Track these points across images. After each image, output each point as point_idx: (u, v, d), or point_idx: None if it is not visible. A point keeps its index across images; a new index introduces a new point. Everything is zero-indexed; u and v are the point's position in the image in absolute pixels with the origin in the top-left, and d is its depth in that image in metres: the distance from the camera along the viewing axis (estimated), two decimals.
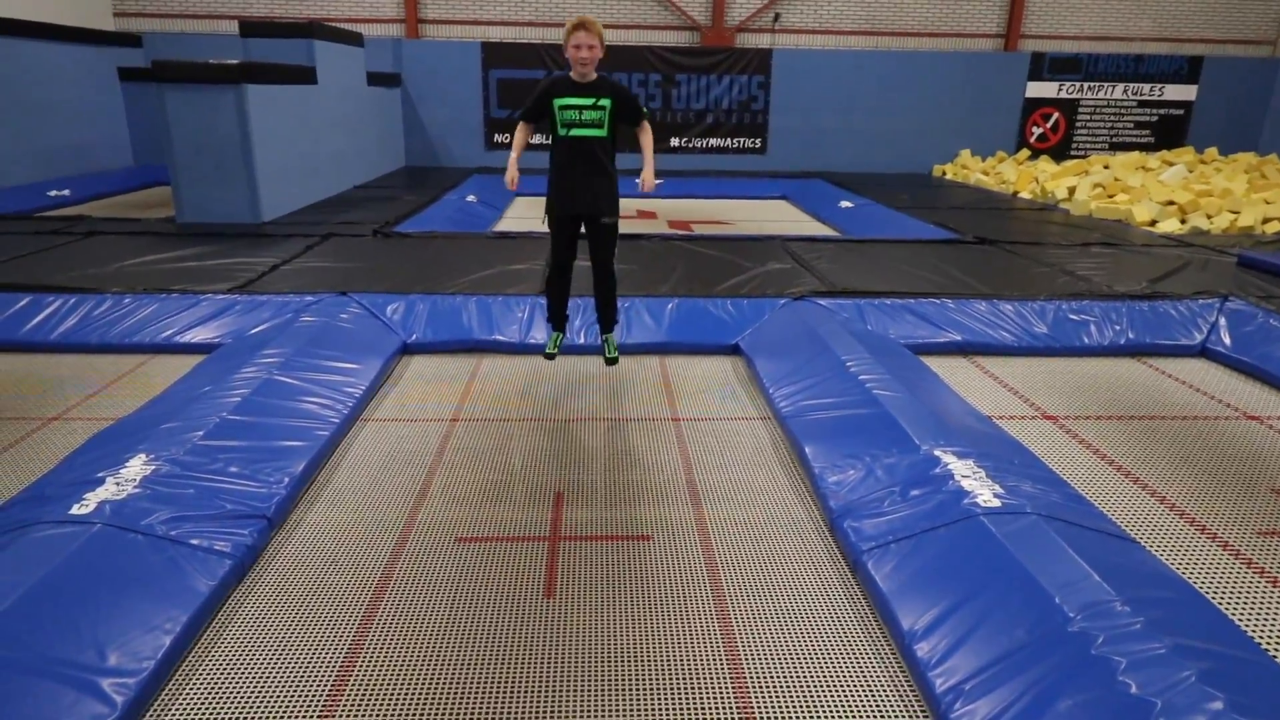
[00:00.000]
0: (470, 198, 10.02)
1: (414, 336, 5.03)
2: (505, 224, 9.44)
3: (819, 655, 2.44)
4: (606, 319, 3.58)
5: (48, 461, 3.44)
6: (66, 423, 3.95)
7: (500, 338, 5.03)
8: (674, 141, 13.81)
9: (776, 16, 13.36)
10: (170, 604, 2.41)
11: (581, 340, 4.95)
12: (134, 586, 2.44)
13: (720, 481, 3.51)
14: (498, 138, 13.63)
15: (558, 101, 3.26)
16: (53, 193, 9.68)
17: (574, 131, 3.28)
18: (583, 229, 3.81)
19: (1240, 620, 2.59)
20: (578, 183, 3.33)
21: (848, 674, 2.37)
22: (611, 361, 3.53)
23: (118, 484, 2.88)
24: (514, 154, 3.44)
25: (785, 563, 2.91)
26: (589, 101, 3.25)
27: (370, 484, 3.44)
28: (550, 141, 3.39)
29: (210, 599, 2.50)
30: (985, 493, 2.89)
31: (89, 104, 11.43)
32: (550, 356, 3.50)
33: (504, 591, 2.73)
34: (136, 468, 3.00)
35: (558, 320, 3.57)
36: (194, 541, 2.67)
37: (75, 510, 2.69)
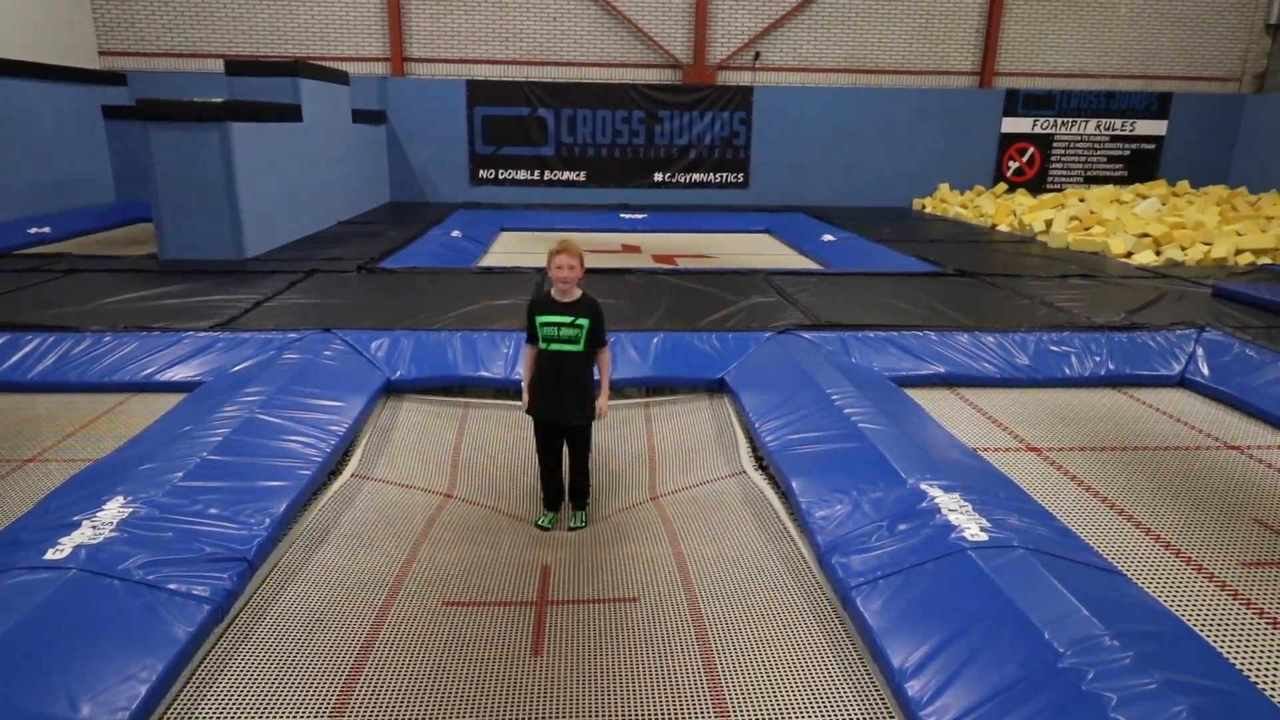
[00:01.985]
0: (455, 233, 10.05)
1: (398, 373, 5.00)
2: (490, 259, 9.46)
3: (808, 693, 2.41)
4: (577, 498, 3.71)
5: (23, 504, 3.37)
6: (43, 464, 3.88)
7: (485, 373, 5.01)
8: (657, 176, 13.96)
9: (757, 55, 13.62)
10: (146, 651, 2.35)
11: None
12: (109, 633, 2.38)
13: (705, 517, 3.49)
14: (482, 173, 13.72)
15: (539, 318, 3.49)
16: (33, 230, 9.61)
17: (552, 346, 3.49)
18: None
19: (1228, 653, 2.58)
20: (553, 393, 3.52)
21: (838, 712, 2.34)
22: (576, 529, 3.59)
23: (94, 527, 2.82)
24: (526, 379, 3.64)
25: (773, 600, 2.89)
26: (567, 320, 3.47)
27: (354, 524, 3.39)
28: (535, 356, 3.61)
29: (188, 645, 2.45)
30: (972, 526, 2.88)
31: (72, 141, 11.42)
32: (544, 529, 3.58)
33: (491, 647, 2.68)
34: (114, 510, 2.95)
35: (553, 504, 3.70)
36: (171, 586, 2.62)
37: (50, 555, 2.63)
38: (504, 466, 4.16)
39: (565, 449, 3.71)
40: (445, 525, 3.55)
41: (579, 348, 3.49)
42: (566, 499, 3.78)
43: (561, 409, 3.56)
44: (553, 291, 3.53)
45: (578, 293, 3.53)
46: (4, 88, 10.16)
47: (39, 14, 11.45)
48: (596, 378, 3.70)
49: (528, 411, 3.64)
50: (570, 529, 3.62)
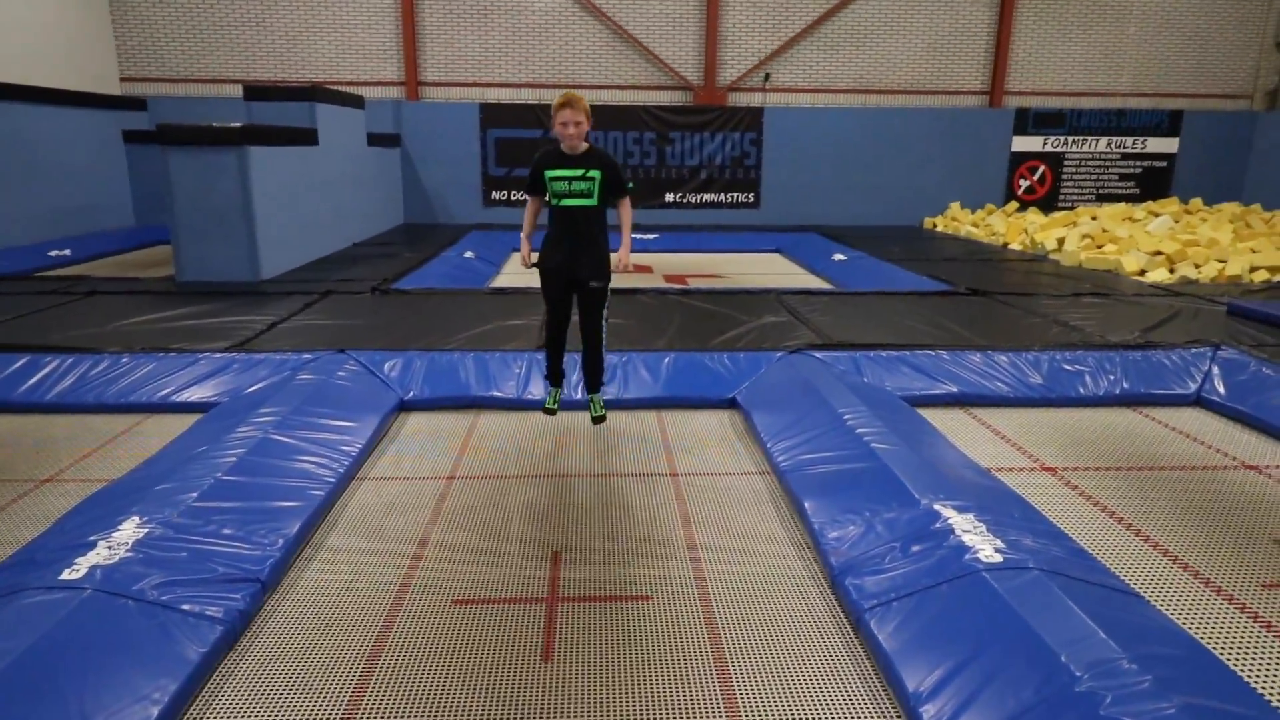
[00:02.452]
0: (468, 254, 10.13)
1: (411, 393, 5.03)
2: (503, 280, 9.52)
3: (822, 717, 2.39)
4: (593, 380, 3.67)
5: (39, 524, 3.40)
6: (59, 484, 3.92)
7: (498, 393, 5.03)
8: (669, 197, 14.04)
9: (767, 76, 13.72)
10: (159, 672, 2.36)
11: (578, 395, 4.95)
12: (122, 654, 2.39)
13: (719, 537, 3.48)
14: (495, 195, 13.86)
15: (548, 173, 3.41)
16: (54, 252, 9.78)
17: (565, 201, 3.40)
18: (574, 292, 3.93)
19: (1248, 676, 2.54)
20: (567, 249, 3.44)
21: None
22: (598, 419, 3.60)
23: (109, 547, 2.84)
24: (525, 229, 3.58)
25: (786, 621, 2.87)
26: (578, 173, 3.38)
27: (365, 544, 3.40)
28: (548, 212, 3.55)
29: (201, 666, 2.45)
30: (987, 548, 2.86)
31: (93, 166, 11.63)
32: (550, 411, 3.58)
33: (502, 655, 2.68)
34: (129, 530, 2.97)
35: (555, 376, 3.66)
36: (185, 607, 2.63)
37: (65, 575, 2.65)
38: (514, 442, 4.15)
39: (578, 314, 3.56)
40: (452, 509, 3.58)
41: (593, 202, 3.41)
42: (576, 383, 3.77)
43: (576, 265, 3.47)
44: (561, 145, 3.44)
45: (585, 145, 3.44)
46: (28, 114, 10.38)
47: (63, 42, 11.71)
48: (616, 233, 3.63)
49: (535, 264, 3.54)
50: (594, 418, 3.57)
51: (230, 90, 12.90)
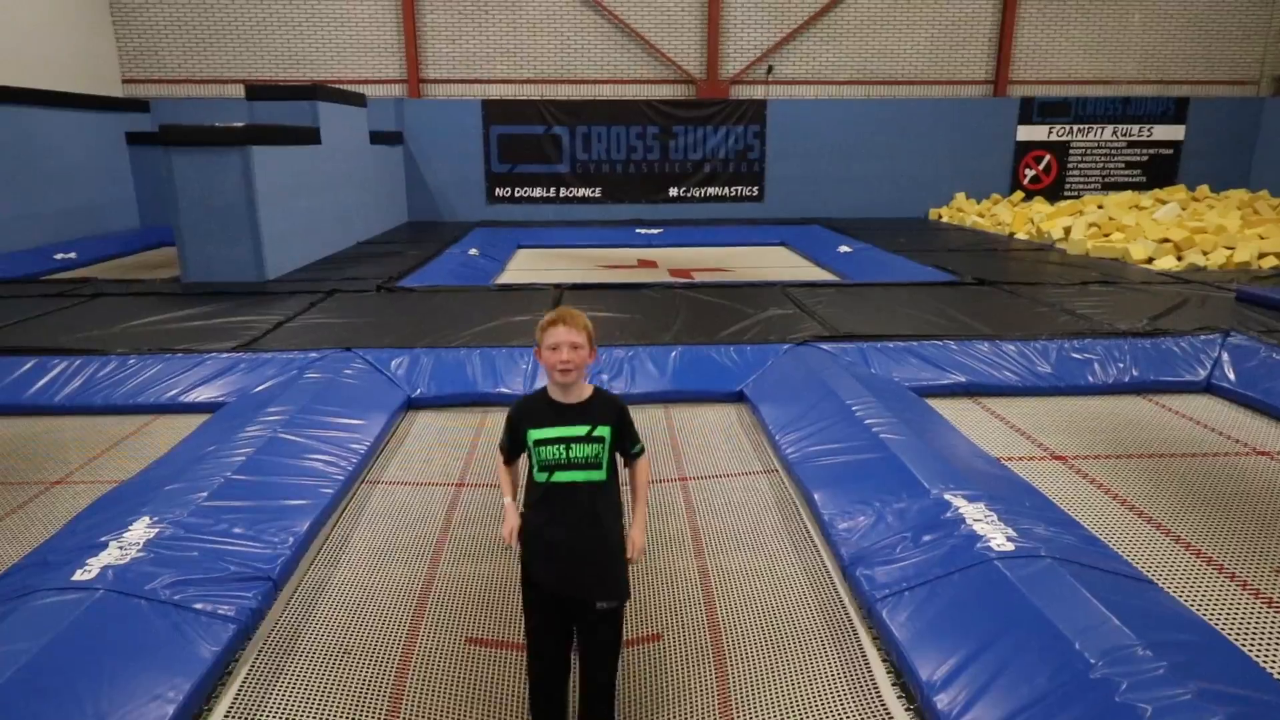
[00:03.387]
0: (472, 251, 10.13)
1: (418, 391, 5.04)
2: (507, 276, 9.52)
3: (837, 708, 2.38)
4: None
5: (51, 526, 3.41)
6: (70, 486, 3.93)
7: (505, 389, 5.03)
8: (673, 191, 14.01)
9: (770, 68, 13.67)
10: (173, 671, 2.36)
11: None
12: (136, 654, 2.40)
13: (728, 530, 3.47)
14: (499, 192, 13.84)
15: (533, 434, 2.18)
16: (59, 255, 9.80)
17: (559, 476, 2.16)
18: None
19: (1263, 661, 2.53)
20: (563, 552, 2.16)
21: None
22: None
23: (121, 548, 2.85)
24: (507, 498, 2.31)
25: (798, 613, 2.86)
26: (579, 432, 2.18)
27: (376, 541, 3.40)
28: (525, 484, 2.27)
29: (214, 665, 2.46)
30: (998, 536, 2.85)
31: (97, 168, 11.66)
32: None
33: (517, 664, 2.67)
34: (140, 531, 2.98)
35: None
36: (198, 606, 2.63)
37: (78, 576, 2.66)
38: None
39: (577, 642, 2.27)
40: (463, 505, 3.55)
41: (601, 476, 2.19)
42: None
43: (576, 578, 2.17)
44: (549, 391, 2.24)
45: (588, 389, 2.26)
46: (31, 117, 10.40)
47: (65, 44, 11.72)
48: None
49: (524, 572, 2.24)
50: None
51: (232, 90, 12.90)
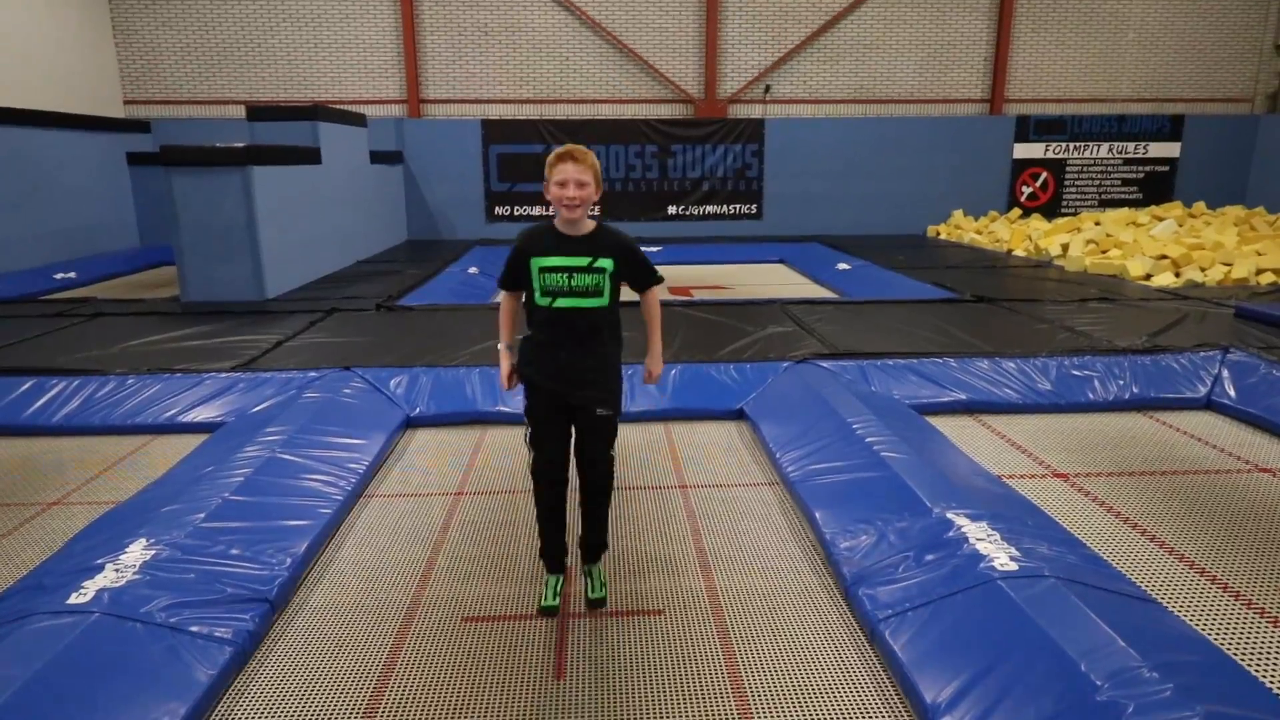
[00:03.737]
0: (472, 270, 10.15)
1: (418, 410, 5.02)
2: None
3: None
4: (592, 545, 2.67)
5: (47, 548, 3.39)
6: (66, 507, 3.91)
7: (504, 408, 5.02)
8: (671, 210, 14.07)
9: (767, 88, 13.77)
10: (169, 695, 2.34)
11: None
12: (132, 677, 2.37)
13: (730, 550, 3.45)
14: (498, 210, 13.90)
15: (537, 262, 2.37)
16: (59, 275, 9.82)
17: (560, 302, 2.37)
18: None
19: (1271, 682, 2.50)
20: (563, 368, 2.43)
21: None
22: (596, 602, 2.60)
23: (117, 570, 2.82)
24: (502, 340, 2.54)
25: (800, 633, 2.84)
26: (582, 262, 2.36)
27: (375, 563, 3.38)
28: (528, 309, 2.48)
29: (211, 688, 2.43)
30: (1001, 556, 2.83)
31: (97, 188, 11.70)
32: (550, 610, 2.56)
33: (514, 672, 2.65)
34: (136, 553, 2.95)
35: (555, 559, 2.62)
36: (194, 629, 2.61)
37: (73, 599, 2.63)
38: (521, 457, 4.11)
39: (575, 455, 2.61)
40: (461, 525, 3.52)
41: (601, 301, 2.40)
42: (573, 557, 2.72)
43: (576, 388, 2.45)
44: (556, 223, 2.42)
45: (590, 224, 2.44)
46: (32, 138, 10.46)
47: (67, 65, 11.81)
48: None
49: (521, 381, 2.52)
50: (589, 601, 2.68)
51: (233, 111, 12.99)
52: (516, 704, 2.49)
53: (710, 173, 13.91)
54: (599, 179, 2.40)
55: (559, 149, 2.37)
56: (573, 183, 2.31)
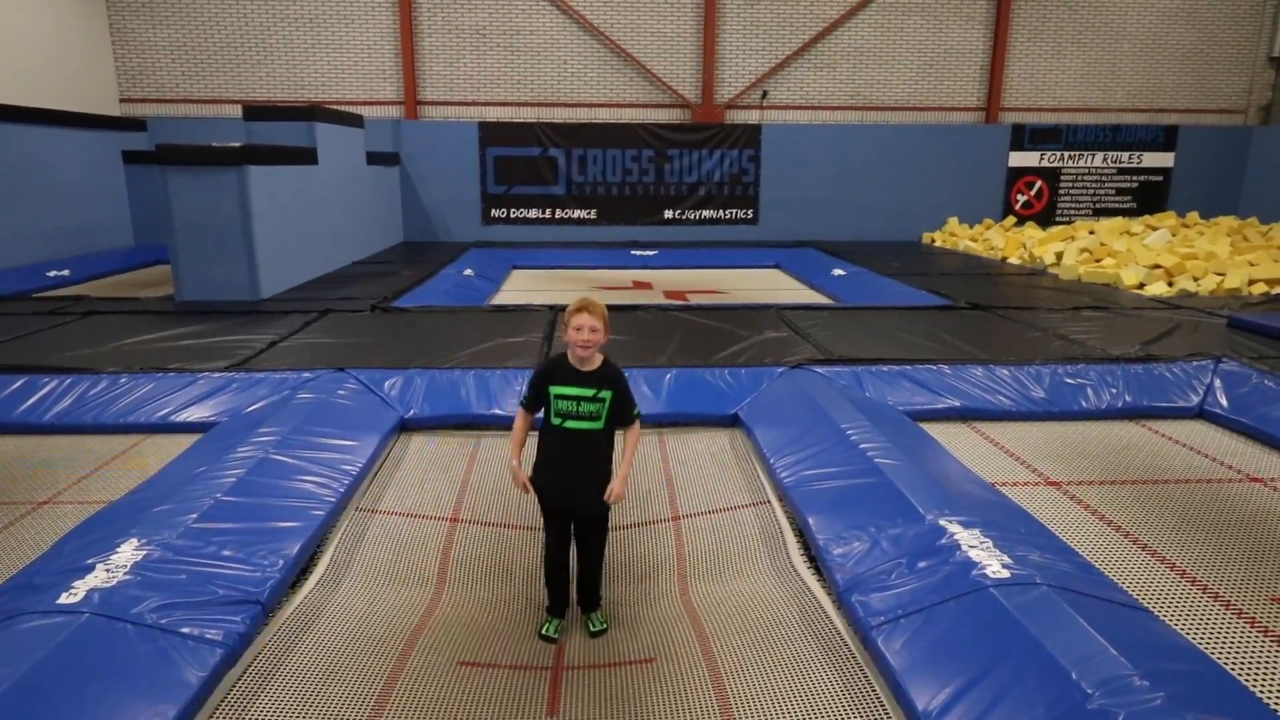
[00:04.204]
0: (467, 271, 10.14)
1: (412, 412, 5.01)
2: (502, 297, 9.52)
3: None
4: (589, 600, 3.10)
5: (38, 547, 3.37)
6: (57, 506, 3.88)
7: (499, 411, 5.01)
8: (668, 214, 14.09)
9: (764, 94, 13.80)
10: (158, 697, 2.32)
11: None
12: (121, 679, 2.36)
13: (722, 554, 3.45)
14: (494, 212, 13.90)
15: (554, 389, 2.93)
16: (52, 273, 9.78)
17: (569, 423, 2.93)
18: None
19: (1260, 691, 2.51)
20: (567, 476, 2.97)
21: None
22: (598, 633, 2.98)
23: (108, 570, 2.81)
24: (514, 449, 3.04)
25: (793, 639, 2.84)
26: (588, 393, 2.91)
27: (367, 564, 3.37)
28: (541, 428, 3.04)
29: (200, 690, 2.42)
30: (994, 563, 2.84)
31: (92, 186, 11.66)
32: (549, 640, 2.94)
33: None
34: (127, 553, 2.94)
35: (557, 607, 3.06)
36: (184, 630, 2.60)
37: (63, 599, 2.62)
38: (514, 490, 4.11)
39: (575, 540, 3.12)
40: (456, 524, 3.48)
41: (600, 425, 2.95)
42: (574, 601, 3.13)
43: (576, 494, 3.00)
44: (569, 357, 2.96)
45: (598, 360, 2.98)
46: (27, 135, 10.42)
47: (63, 63, 11.77)
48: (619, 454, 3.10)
49: (532, 488, 3.03)
50: (591, 634, 3.00)
51: (230, 110, 12.96)
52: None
53: (707, 178, 13.94)
54: (607, 325, 2.94)
55: (576, 302, 2.93)
56: (586, 329, 2.86)
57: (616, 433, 3.06)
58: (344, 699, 2.53)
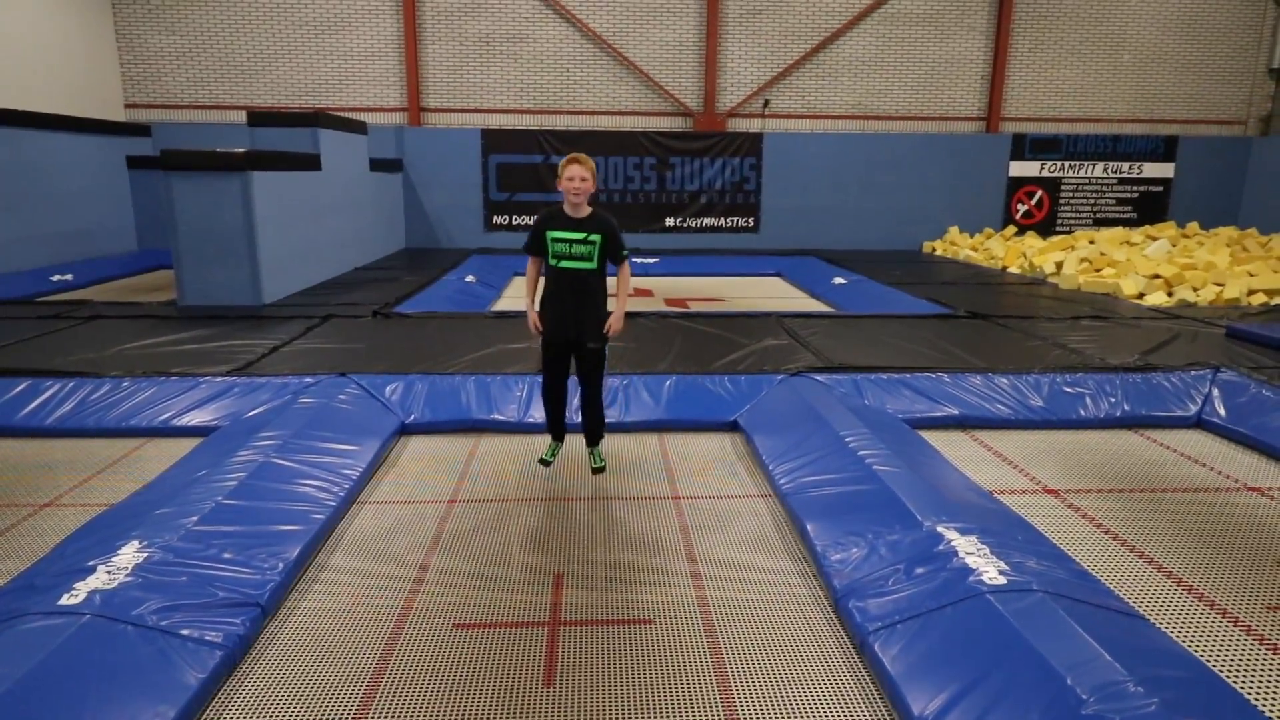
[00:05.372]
0: (469, 278, 10.17)
1: (412, 417, 5.03)
2: (504, 303, 9.55)
3: None
4: (592, 435, 3.65)
5: (39, 549, 3.39)
6: (59, 509, 3.90)
7: (499, 417, 5.03)
8: (669, 221, 14.13)
9: (766, 102, 13.86)
10: (158, 698, 2.34)
11: (579, 418, 4.95)
12: (121, 680, 2.37)
13: (722, 561, 3.46)
14: (496, 219, 13.94)
15: (550, 234, 3.40)
16: (56, 277, 9.81)
17: (564, 263, 3.40)
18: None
19: (1254, 698, 2.52)
20: (566, 311, 3.44)
21: None
22: (598, 470, 3.57)
23: (109, 572, 2.83)
24: (530, 294, 3.56)
25: (790, 644, 2.85)
26: (579, 236, 3.39)
27: (367, 569, 3.38)
28: (544, 271, 3.53)
29: (200, 692, 2.43)
30: (990, 570, 2.85)
31: (96, 191, 11.71)
32: (546, 463, 3.53)
33: (503, 680, 2.65)
34: (129, 555, 2.96)
35: (556, 432, 3.63)
36: (184, 632, 2.61)
37: (64, 600, 2.64)
38: (515, 465, 4.11)
39: (576, 371, 3.57)
40: (454, 533, 3.52)
41: (592, 265, 3.41)
42: (577, 438, 3.71)
43: (574, 327, 3.47)
44: (564, 206, 3.43)
45: (589, 209, 3.44)
46: (32, 140, 10.47)
47: (69, 69, 11.84)
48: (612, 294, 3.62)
49: (537, 332, 3.55)
50: (594, 469, 3.52)
51: (234, 116, 13.02)
52: (507, 711, 2.50)
53: (708, 185, 13.98)
54: (595, 176, 3.44)
55: (568, 156, 3.39)
56: (578, 178, 3.33)
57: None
58: (341, 673, 2.54)
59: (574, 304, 3.43)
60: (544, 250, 3.42)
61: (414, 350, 6.14)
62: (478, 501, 4.04)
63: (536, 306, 3.63)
